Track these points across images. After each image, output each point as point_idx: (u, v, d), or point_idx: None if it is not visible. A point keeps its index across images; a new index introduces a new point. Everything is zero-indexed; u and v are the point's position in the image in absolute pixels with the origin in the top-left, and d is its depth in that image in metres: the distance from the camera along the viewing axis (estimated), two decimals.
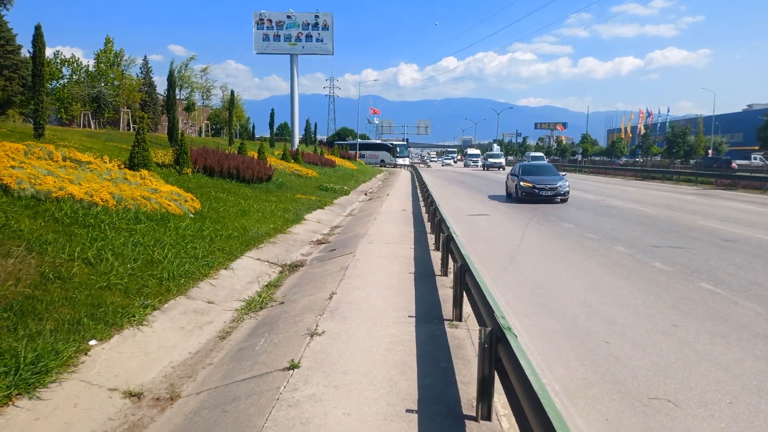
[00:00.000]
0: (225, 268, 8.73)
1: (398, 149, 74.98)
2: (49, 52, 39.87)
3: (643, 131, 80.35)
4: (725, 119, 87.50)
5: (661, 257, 10.24)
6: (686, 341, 5.84)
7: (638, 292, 7.89)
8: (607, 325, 6.40)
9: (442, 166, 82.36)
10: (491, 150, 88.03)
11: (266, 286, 8.55)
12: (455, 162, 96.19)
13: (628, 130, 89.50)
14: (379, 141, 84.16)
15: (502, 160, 65.03)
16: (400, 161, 73.12)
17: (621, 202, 21.70)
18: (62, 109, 39.40)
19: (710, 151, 64.36)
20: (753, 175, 36.01)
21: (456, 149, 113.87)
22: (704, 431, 4.01)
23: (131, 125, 43.82)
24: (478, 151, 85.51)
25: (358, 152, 70.68)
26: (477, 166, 72.56)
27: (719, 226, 14.48)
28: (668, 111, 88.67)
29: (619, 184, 36.71)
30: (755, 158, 63.75)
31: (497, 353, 3.71)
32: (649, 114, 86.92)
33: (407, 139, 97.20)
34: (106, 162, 12.98)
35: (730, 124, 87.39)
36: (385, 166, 69.26)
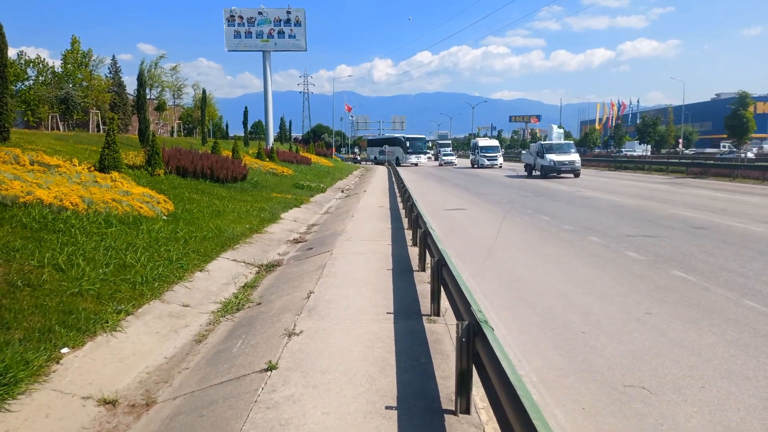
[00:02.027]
0: (200, 270, 8.62)
1: (407, 144, 59.10)
2: (12, 53, 38.89)
3: (612, 123, 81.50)
4: (694, 108, 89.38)
5: (634, 246, 10.41)
6: (660, 328, 5.94)
7: (613, 281, 8.01)
8: (583, 315, 6.48)
9: (441, 165, 57.25)
10: (548, 137, 52.23)
11: (243, 287, 8.47)
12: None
13: (603, 120, 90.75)
14: (397, 135, 66.89)
15: (577, 158, 33.97)
16: (413, 159, 58.05)
17: (595, 193, 22.00)
18: (29, 112, 38.49)
19: (681, 140, 65.67)
20: (722, 163, 36.81)
21: (450, 142, 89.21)
22: (678, 416, 4.09)
23: (101, 127, 43.00)
24: (495, 143, 54.89)
25: (334, 149, 69.68)
26: (495, 165, 49.35)
27: (690, 214, 14.79)
28: (638, 101, 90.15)
29: (592, 175, 37.17)
30: (724, 146, 65.25)
31: (474, 347, 3.73)
32: (620, 105, 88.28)
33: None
34: (75, 165, 12.70)
35: (699, 113, 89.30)
36: (399, 165, 53.66)
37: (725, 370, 4.85)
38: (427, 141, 65.87)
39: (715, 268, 8.59)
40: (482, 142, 55.52)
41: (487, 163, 49.74)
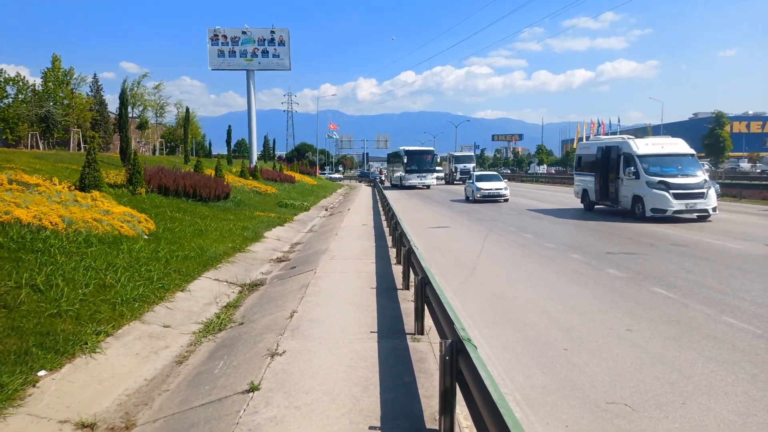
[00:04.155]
0: (182, 290, 8.53)
1: (406, 159, 44.44)
2: None
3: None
4: (673, 128, 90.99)
5: (615, 263, 10.52)
6: (641, 345, 6.00)
7: (594, 298, 8.07)
8: (565, 332, 6.52)
9: (473, 199, 28.40)
10: None
11: (225, 307, 8.39)
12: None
13: (583, 140, 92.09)
14: (401, 148, 49.30)
15: None
16: (414, 180, 43.92)
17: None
18: (7, 130, 38.05)
19: None
20: None
21: (473, 155, 65.78)
22: None
23: (82, 145, 42.60)
24: (685, 147, 19.29)
25: (318, 168, 68.67)
26: (705, 209, 17.19)
27: (669, 231, 14.99)
28: (618, 121, 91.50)
29: (574, 193, 37.35)
30: (702, 165, 66.41)
31: (458, 365, 3.73)
32: (600, 124, 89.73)
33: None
34: (55, 184, 12.54)
35: (677, 133, 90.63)
36: (402, 187, 43.68)
37: (705, 386, 4.90)
38: (436, 155, 48.19)
39: (694, 284, 8.71)
40: (653, 145, 19.62)
41: (676, 207, 17.33)
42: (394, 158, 52.11)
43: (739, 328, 6.46)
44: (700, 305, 7.50)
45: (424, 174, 44.55)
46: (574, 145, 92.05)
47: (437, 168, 52.21)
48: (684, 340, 6.10)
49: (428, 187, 44.45)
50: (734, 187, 29.73)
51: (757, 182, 33.38)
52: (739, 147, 73.05)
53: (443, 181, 51.90)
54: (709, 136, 49.93)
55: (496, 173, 32.73)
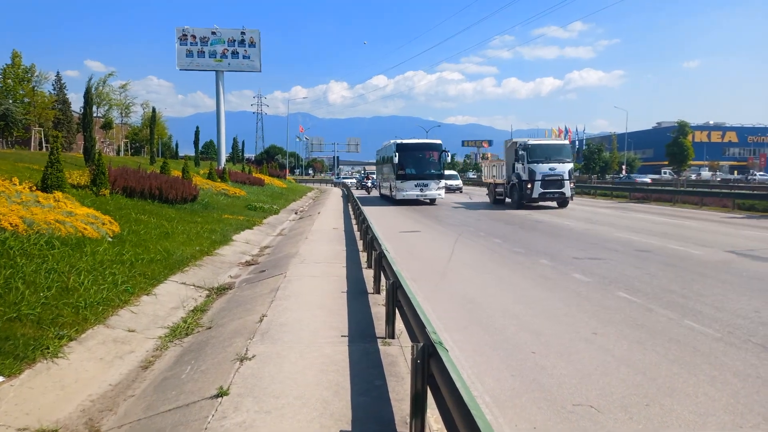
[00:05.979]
0: (147, 294, 8.35)
1: (397, 158, 29.63)
2: None
3: None
4: (637, 136, 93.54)
5: (581, 269, 10.72)
6: (606, 348, 6.12)
7: (561, 302, 8.21)
8: (534, 335, 6.61)
9: None
10: None
11: (192, 311, 8.25)
12: None
13: None
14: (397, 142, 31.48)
15: None
16: (410, 190, 29.75)
17: (544, 217, 22.60)
18: None
19: (624, 167, 68.55)
20: (664, 188, 38.51)
21: (566, 144, 29.50)
22: None
23: (44, 145, 41.43)
24: None
25: (288, 170, 67.19)
26: None
27: (634, 237, 15.36)
28: (584, 129, 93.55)
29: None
30: (665, 172, 68.36)
31: (429, 368, 3.74)
32: (567, 131, 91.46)
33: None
34: (15, 184, 12.14)
35: (641, 141, 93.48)
36: (399, 201, 30.39)
37: (668, 388, 5.03)
38: (446, 152, 31.17)
39: (657, 289, 8.93)
40: None
41: None
42: (383, 158, 35.96)
43: (700, 332, 6.65)
44: (664, 309, 7.67)
45: (425, 181, 29.68)
46: None
47: (447, 173, 38.50)
48: (648, 344, 6.25)
49: (433, 201, 30.49)
50: (696, 195, 30.58)
51: (717, 190, 34.52)
52: (700, 156, 75.49)
53: (491, 196, 30.95)
54: (672, 144, 51.51)
55: None
